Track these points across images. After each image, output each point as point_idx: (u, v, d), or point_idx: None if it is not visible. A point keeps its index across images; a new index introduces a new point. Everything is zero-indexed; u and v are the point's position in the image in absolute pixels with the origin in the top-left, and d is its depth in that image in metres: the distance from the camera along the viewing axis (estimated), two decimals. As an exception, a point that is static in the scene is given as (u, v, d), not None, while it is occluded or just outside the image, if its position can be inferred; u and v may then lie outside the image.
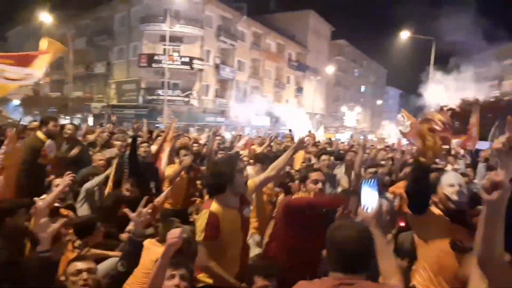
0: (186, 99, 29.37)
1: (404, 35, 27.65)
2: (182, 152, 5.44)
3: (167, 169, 5.51)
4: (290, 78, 44.14)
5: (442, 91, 29.38)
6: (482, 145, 12.33)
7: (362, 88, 64.41)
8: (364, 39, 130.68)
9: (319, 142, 14.36)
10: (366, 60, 64.40)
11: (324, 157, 5.83)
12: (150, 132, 8.54)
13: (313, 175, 3.33)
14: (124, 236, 4.21)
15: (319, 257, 2.97)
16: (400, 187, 5.20)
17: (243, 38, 35.98)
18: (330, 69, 45.91)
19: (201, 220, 2.65)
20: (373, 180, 1.91)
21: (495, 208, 1.36)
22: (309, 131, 17.10)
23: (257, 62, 38.36)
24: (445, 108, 32.24)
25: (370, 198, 1.89)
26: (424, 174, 2.49)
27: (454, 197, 2.53)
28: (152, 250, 3.46)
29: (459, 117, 28.21)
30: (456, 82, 31.72)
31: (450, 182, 2.59)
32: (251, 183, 2.97)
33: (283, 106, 34.12)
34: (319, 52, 48.93)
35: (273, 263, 2.84)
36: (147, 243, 3.70)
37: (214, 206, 2.67)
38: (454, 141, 12.26)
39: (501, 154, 1.52)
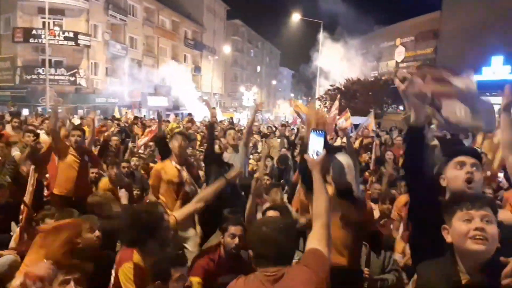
0: (72, 78, 26.73)
1: (295, 17, 29.11)
2: (73, 132, 5.35)
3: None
4: (187, 57, 43.16)
5: (330, 63, 31.89)
6: (359, 120, 13.72)
7: (258, 69, 66.34)
8: (258, 20, 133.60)
9: (222, 121, 14.56)
10: (260, 41, 66.23)
11: None
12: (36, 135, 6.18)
13: (232, 229, 2.92)
14: None
15: None
16: None
17: (135, 13, 33.85)
18: (227, 49, 46.10)
19: (125, 275, 2.32)
20: (321, 131, 1.99)
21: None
22: (214, 108, 17.25)
23: (151, 39, 36.56)
24: (332, 87, 34.91)
25: (317, 146, 1.98)
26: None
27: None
28: None
29: (344, 95, 31.12)
30: (344, 51, 34.61)
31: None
32: (171, 220, 2.68)
33: (181, 85, 33.27)
34: (215, 32, 48.64)
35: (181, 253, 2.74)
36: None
37: (137, 257, 2.38)
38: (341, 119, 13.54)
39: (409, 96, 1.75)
